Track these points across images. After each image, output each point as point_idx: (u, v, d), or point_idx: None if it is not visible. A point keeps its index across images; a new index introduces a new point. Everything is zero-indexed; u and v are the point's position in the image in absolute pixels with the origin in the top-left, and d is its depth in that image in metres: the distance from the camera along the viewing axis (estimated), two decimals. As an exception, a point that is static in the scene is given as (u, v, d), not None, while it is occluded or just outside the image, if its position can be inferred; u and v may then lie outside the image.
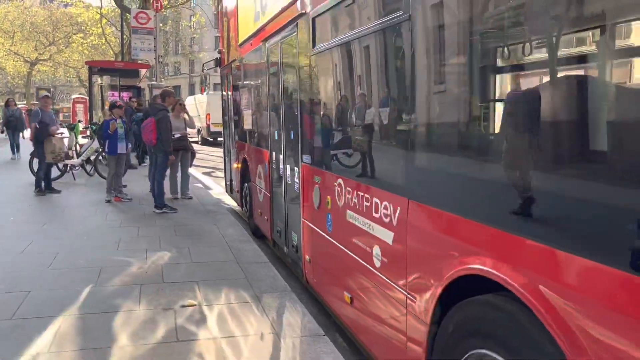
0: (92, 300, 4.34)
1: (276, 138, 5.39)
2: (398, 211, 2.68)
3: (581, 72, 1.76)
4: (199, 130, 27.09)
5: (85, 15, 33.72)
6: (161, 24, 27.04)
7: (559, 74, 1.81)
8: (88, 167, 11.83)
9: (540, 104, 1.85)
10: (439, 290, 2.26)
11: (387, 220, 2.81)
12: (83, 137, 14.95)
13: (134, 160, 13.44)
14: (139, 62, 16.97)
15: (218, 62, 9.30)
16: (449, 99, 2.35)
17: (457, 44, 2.30)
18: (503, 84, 2.10)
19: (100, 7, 30.17)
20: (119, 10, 24.67)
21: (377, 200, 2.93)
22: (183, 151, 9.39)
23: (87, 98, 23.34)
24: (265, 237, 6.51)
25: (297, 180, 4.65)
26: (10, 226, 7.07)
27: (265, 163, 5.90)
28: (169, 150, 8.28)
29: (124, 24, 22.99)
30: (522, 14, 1.93)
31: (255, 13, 5.92)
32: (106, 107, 14.63)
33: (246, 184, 7.30)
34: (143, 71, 15.26)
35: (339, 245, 3.60)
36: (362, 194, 3.15)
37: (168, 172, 8.81)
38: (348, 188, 3.39)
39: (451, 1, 2.29)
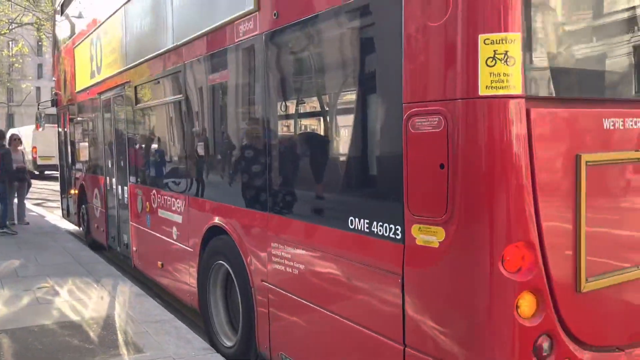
0: (-38, 290, 5.71)
1: (110, 166, 7.20)
2: (183, 203, 4.83)
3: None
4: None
5: None
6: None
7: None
8: None
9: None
10: (201, 238, 4.43)
11: (179, 210, 4.94)
12: None
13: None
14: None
15: (54, 102, 10.65)
16: (190, 142, 4.59)
17: (196, 113, 4.56)
18: (206, 130, 4.36)
19: None
20: None
21: (174, 200, 5.05)
22: (20, 182, 10.45)
23: None
24: (101, 249, 8.11)
25: (126, 196, 6.53)
26: None
27: (101, 186, 7.63)
28: (7, 180, 9.42)
29: None
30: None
31: (92, 71, 7.70)
32: None
33: (84, 206, 8.83)
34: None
35: (154, 233, 5.61)
36: (166, 197, 5.24)
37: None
38: (159, 195, 5.45)
39: (192, 97, 4.57)
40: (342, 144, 3.01)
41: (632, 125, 2.44)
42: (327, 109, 3.15)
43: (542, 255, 2.17)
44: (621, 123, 2.40)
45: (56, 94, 10.62)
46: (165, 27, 5.01)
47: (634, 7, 2.66)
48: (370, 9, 2.66)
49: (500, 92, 2.09)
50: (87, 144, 8.59)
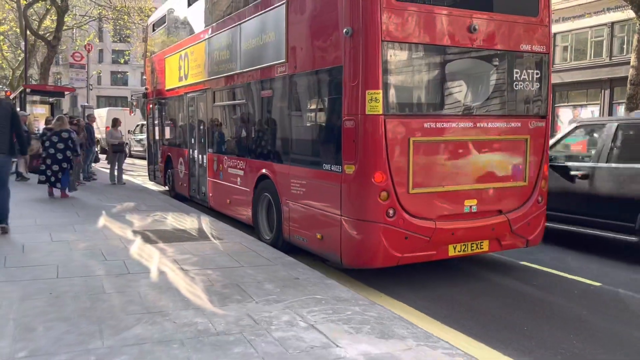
0: (110, 215, 9.43)
1: (192, 142, 10.82)
2: (244, 164, 8.34)
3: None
4: (98, 141, 30.88)
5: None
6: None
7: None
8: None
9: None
10: (254, 182, 7.92)
11: (241, 167, 8.45)
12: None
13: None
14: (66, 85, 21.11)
15: (145, 95, 14.39)
16: (248, 128, 8.04)
17: (251, 111, 8.02)
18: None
19: (-1, 26, 32.72)
20: (18, 31, 27.90)
21: (238, 161, 8.56)
22: (120, 153, 14.29)
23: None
24: (183, 200, 11.75)
25: (205, 161, 10.12)
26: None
27: (185, 156, 11.27)
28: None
29: (28, 46, 26.38)
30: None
31: (180, 76, 11.30)
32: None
33: (169, 170, 12.54)
34: (67, 93, 19.36)
35: (225, 183, 9.16)
36: (233, 160, 8.76)
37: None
38: (228, 159, 8.98)
39: (249, 102, 8.04)
40: (320, 131, 6.44)
41: (440, 125, 5.74)
42: (316, 114, 6.56)
43: (391, 177, 5.51)
44: (434, 124, 5.70)
45: (146, 89, 14.36)
46: (236, 58, 8.47)
47: (443, 69, 5.92)
48: (333, 73, 6.01)
49: (374, 113, 5.44)
50: (173, 127, 12.27)
